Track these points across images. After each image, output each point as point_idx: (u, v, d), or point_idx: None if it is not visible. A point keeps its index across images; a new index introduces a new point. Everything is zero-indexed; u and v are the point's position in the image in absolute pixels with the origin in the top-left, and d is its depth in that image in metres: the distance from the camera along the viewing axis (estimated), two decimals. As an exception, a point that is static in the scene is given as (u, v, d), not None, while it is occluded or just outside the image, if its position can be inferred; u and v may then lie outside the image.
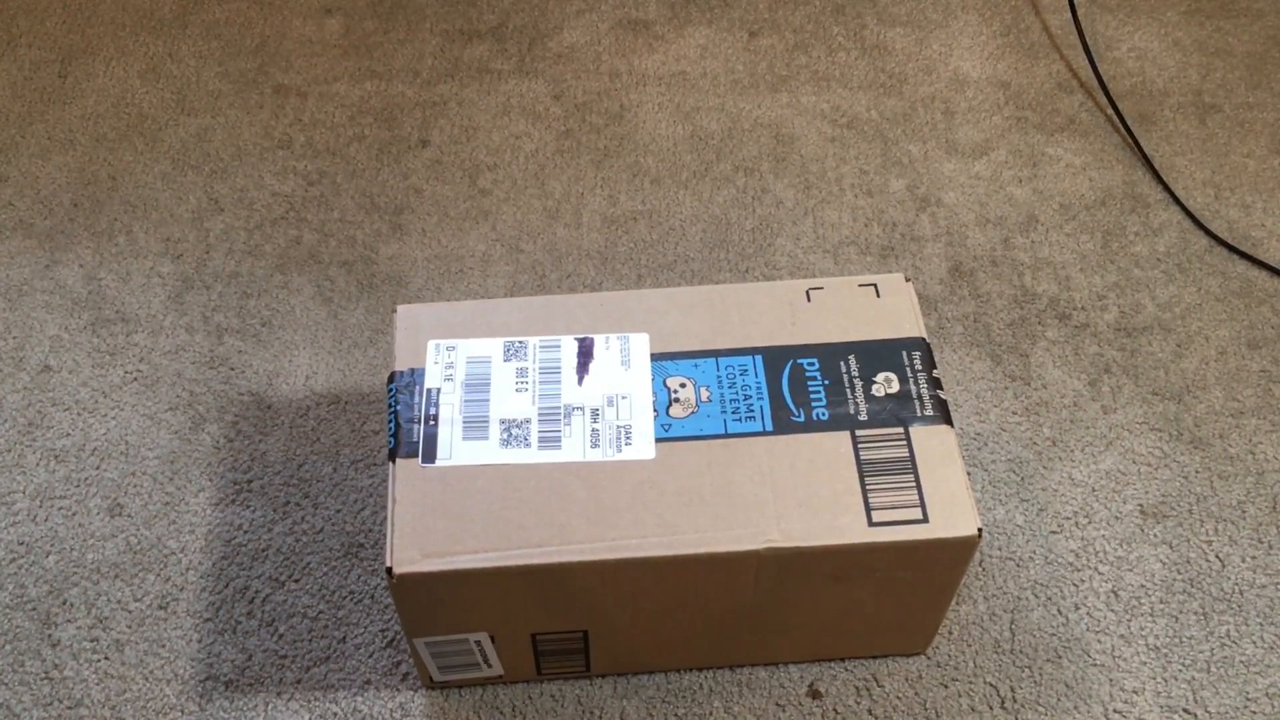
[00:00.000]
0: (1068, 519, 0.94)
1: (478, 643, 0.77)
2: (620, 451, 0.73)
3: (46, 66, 1.30)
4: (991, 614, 0.88)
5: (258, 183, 1.19)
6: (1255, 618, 0.88)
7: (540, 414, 0.75)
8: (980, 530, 0.71)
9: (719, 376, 0.76)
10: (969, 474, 0.96)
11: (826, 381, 0.76)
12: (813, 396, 0.76)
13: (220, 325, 1.07)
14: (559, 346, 0.77)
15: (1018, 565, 0.91)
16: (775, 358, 0.77)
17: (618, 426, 0.74)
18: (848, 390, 0.76)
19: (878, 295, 0.81)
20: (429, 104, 1.26)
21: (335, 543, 0.92)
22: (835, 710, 0.83)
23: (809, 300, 0.81)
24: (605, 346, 0.77)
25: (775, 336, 0.79)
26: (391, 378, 0.76)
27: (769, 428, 0.74)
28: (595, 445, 0.73)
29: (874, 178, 1.19)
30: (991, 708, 0.84)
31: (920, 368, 0.78)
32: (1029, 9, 1.38)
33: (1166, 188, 1.18)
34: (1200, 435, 0.99)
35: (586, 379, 0.76)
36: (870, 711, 0.83)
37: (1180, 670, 0.85)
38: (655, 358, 0.77)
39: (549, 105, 1.27)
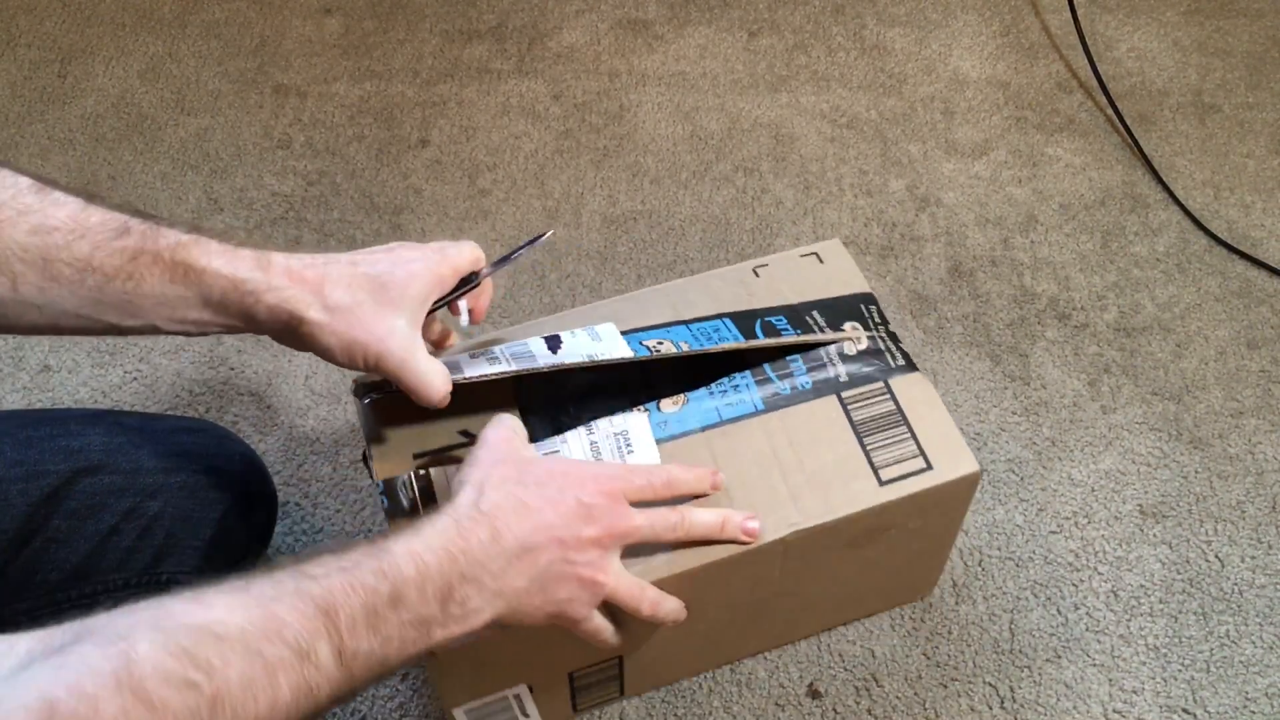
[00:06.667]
0: (1067, 519, 0.94)
1: (516, 696, 0.75)
2: (624, 460, 0.70)
3: (46, 66, 1.30)
4: (991, 614, 0.88)
5: (257, 183, 1.19)
6: (1255, 618, 0.88)
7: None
8: (980, 466, 0.73)
9: (693, 335, 0.75)
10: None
11: (798, 330, 0.76)
12: (792, 368, 0.76)
13: (220, 325, 1.07)
14: (526, 344, 0.74)
15: (1018, 565, 0.91)
16: (744, 318, 0.78)
17: (614, 434, 0.71)
18: (822, 354, 0.76)
19: (821, 261, 0.83)
20: (429, 104, 1.26)
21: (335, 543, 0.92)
22: (835, 710, 0.83)
23: (758, 276, 0.81)
24: (573, 336, 0.75)
25: (738, 305, 0.79)
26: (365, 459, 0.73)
27: (760, 407, 0.74)
28: (599, 458, 0.70)
29: (874, 178, 1.19)
30: (991, 708, 0.84)
31: (879, 320, 0.79)
32: (1029, 9, 1.38)
33: (1166, 188, 1.18)
34: (1200, 435, 0.99)
35: (561, 354, 0.73)
36: (870, 711, 0.83)
37: (1180, 670, 0.85)
38: (625, 334, 0.75)
39: (549, 105, 1.27)
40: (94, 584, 0.71)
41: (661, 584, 0.66)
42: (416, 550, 0.54)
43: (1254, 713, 0.83)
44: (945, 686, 0.85)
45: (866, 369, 0.75)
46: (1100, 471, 0.96)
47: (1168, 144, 1.22)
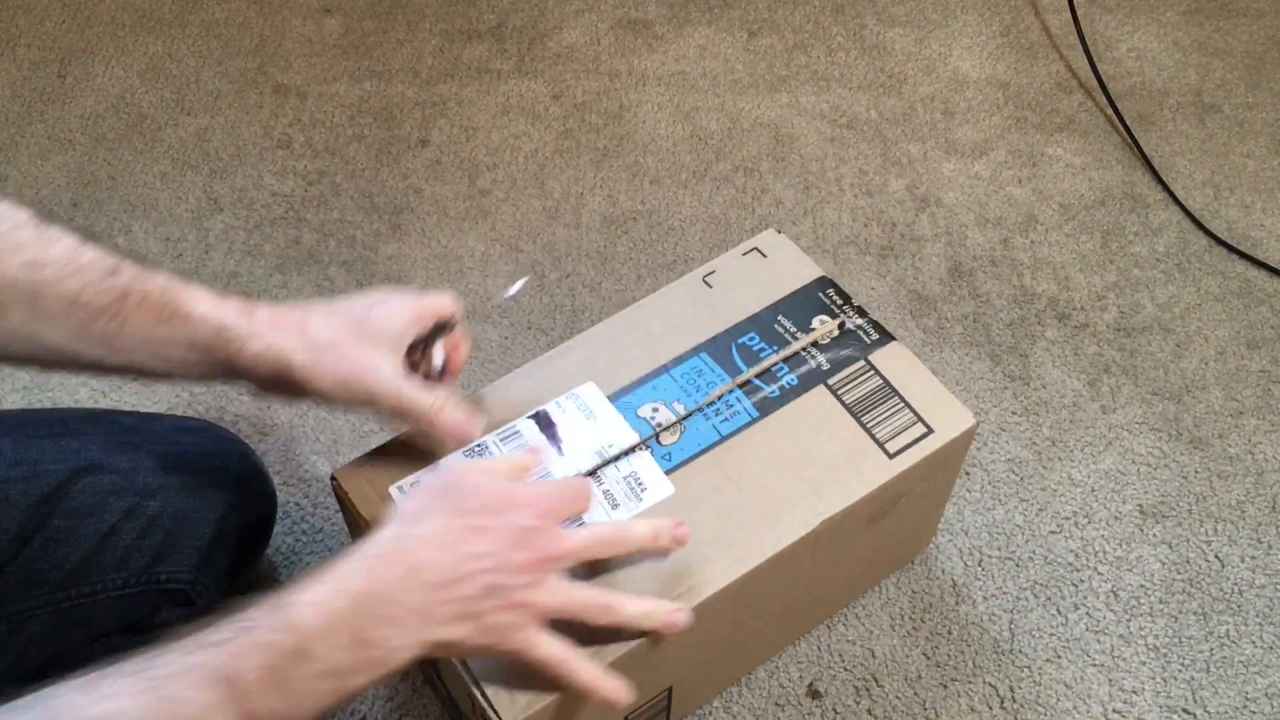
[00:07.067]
0: (1067, 519, 0.94)
1: None
2: (641, 500, 0.71)
3: (46, 66, 1.30)
4: (991, 614, 0.88)
5: (257, 183, 1.19)
6: (1255, 618, 0.88)
7: None
8: (975, 418, 0.75)
9: (681, 386, 0.76)
10: (968, 474, 0.96)
11: (774, 347, 0.77)
12: (775, 369, 0.76)
13: (220, 325, 1.07)
14: (519, 432, 0.73)
15: (1017, 565, 0.91)
16: (718, 347, 0.78)
17: (624, 479, 0.71)
18: (801, 352, 0.77)
19: (764, 255, 0.83)
20: (428, 104, 1.26)
21: (334, 543, 0.92)
22: (835, 710, 0.83)
23: (710, 286, 0.82)
24: (561, 410, 0.75)
25: (705, 330, 0.79)
26: None
27: (754, 414, 0.74)
28: (616, 506, 0.70)
29: (874, 178, 1.19)
30: (991, 708, 0.84)
31: (841, 301, 0.80)
32: (1029, 9, 1.38)
33: (1166, 188, 1.18)
34: (1200, 435, 0.99)
35: (564, 447, 0.73)
36: (870, 711, 0.83)
37: (1180, 670, 0.85)
38: (613, 398, 0.75)
39: (548, 105, 1.27)
40: (93, 583, 0.71)
41: (706, 602, 0.67)
42: (320, 599, 0.52)
43: (1254, 713, 0.83)
44: (945, 686, 0.85)
45: (844, 352, 0.77)
46: (1100, 471, 0.96)
47: (1168, 144, 1.22)
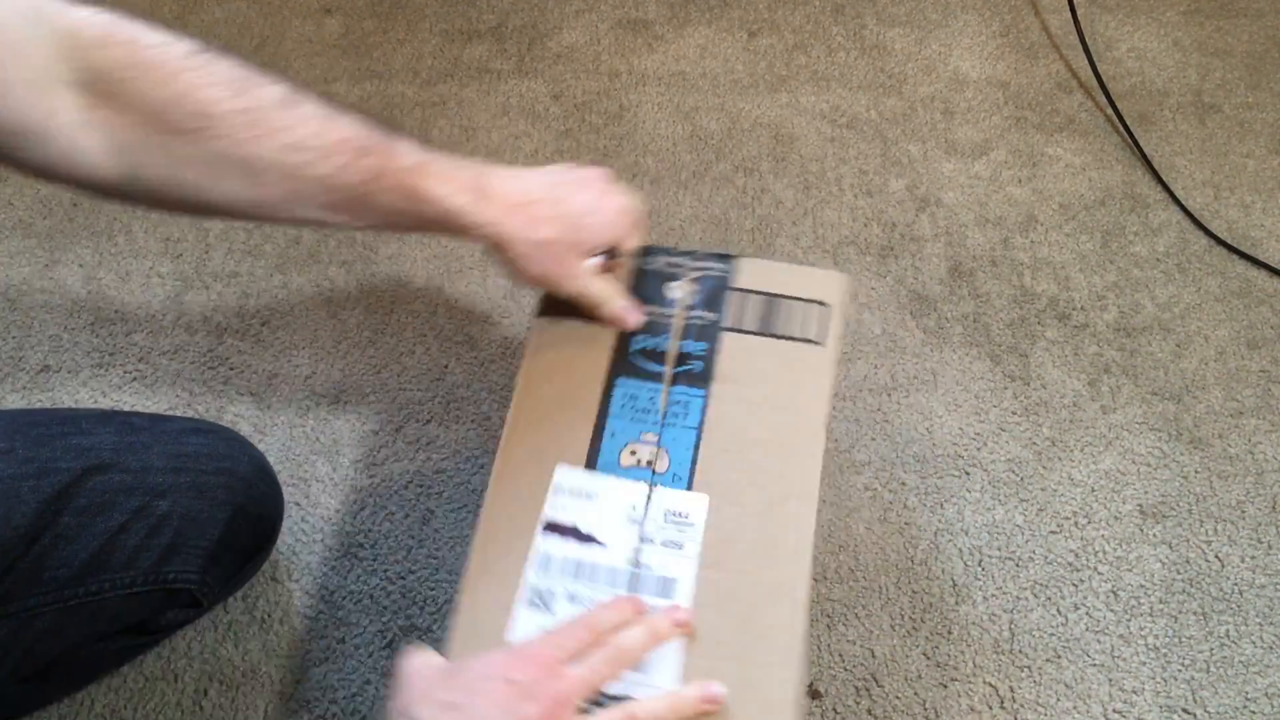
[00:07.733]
0: (1067, 519, 0.94)
1: None
2: (692, 525, 0.69)
3: (46, 66, 1.30)
4: (991, 614, 0.88)
5: (257, 183, 1.19)
6: (1255, 618, 0.88)
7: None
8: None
9: (630, 419, 0.74)
10: (968, 474, 0.96)
11: (664, 334, 0.77)
12: (682, 347, 0.76)
13: (220, 325, 1.07)
14: (549, 555, 0.69)
15: (1017, 565, 0.91)
16: (624, 365, 0.76)
17: (663, 524, 0.69)
18: (687, 322, 0.77)
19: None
20: (429, 104, 1.26)
21: (335, 543, 0.92)
22: (835, 710, 0.83)
23: (562, 318, 0.80)
24: (563, 509, 0.70)
25: (599, 357, 0.77)
26: None
27: (701, 392, 0.74)
28: (679, 547, 0.68)
29: (874, 178, 1.19)
30: (991, 708, 0.84)
31: (672, 257, 0.80)
32: (1029, 9, 1.38)
33: (1166, 188, 1.18)
34: (1200, 435, 0.99)
35: (599, 536, 0.69)
36: (870, 711, 0.83)
37: (1180, 670, 0.85)
38: (589, 467, 0.72)
39: (549, 105, 1.27)
40: (101, 582, 0.71)
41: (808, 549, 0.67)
42: None
43: (1254, 713, 0.83)
44: (945, 686, 0.85)
45: (713, 295, 0.77)
46: (1100, 471, 0.96)
47: (1168, 144, 1.22)
